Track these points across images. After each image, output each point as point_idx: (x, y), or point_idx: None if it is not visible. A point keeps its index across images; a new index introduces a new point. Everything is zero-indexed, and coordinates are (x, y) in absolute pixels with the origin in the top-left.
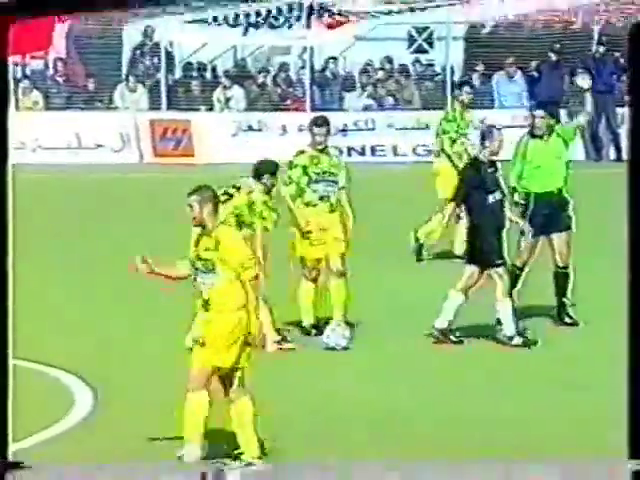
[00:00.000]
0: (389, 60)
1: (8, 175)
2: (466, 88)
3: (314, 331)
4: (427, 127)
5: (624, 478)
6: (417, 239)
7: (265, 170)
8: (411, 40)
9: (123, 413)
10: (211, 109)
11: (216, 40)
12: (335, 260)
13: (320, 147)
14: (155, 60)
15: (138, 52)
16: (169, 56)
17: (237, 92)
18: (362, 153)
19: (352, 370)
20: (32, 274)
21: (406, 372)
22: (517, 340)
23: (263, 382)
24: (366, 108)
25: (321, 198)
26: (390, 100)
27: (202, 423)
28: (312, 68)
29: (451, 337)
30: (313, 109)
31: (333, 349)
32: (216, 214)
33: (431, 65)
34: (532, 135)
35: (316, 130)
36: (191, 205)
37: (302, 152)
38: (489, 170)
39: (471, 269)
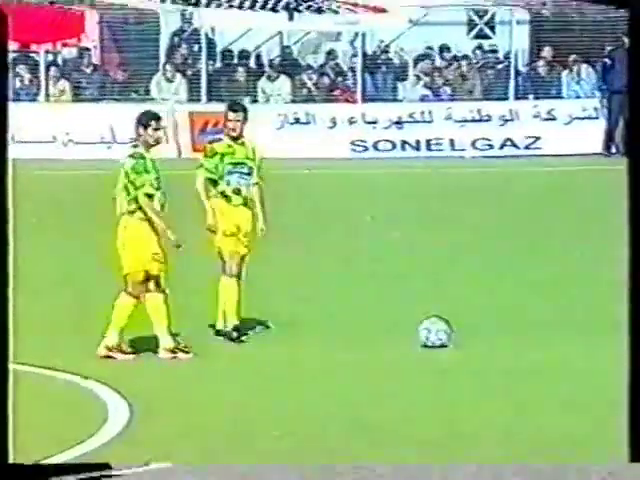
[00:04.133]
0: (447, 46)
1: (7, 170)
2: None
3: (238, 336)
4: (489, 119)
5: None
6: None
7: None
8: (471, 24)
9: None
10: (255, 100)
11: (260, 26)
12: (235, 259)
13: (234, 135)
14: (195, 48)
15: (176, 39)
16: (210, 43)
17: (283, 82)
18: (417, 147)
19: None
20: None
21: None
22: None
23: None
24: (422, 99)
25: (235, 191)
26: (448, 90)
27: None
28: (364, 56)
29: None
30: (365, 100)
31: (428, 346)
32: None
33: (494, 51)
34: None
35: (231, 116)
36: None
37: (220, 139)
38: None
39: None
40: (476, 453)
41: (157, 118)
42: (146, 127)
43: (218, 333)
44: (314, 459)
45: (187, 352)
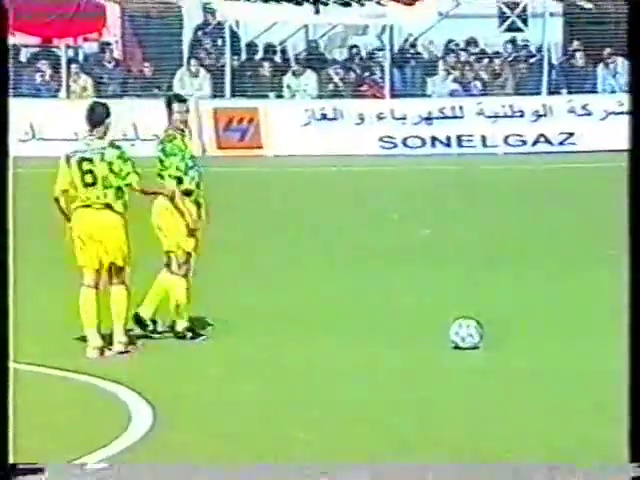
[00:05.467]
0: (477, 39)
1: (8, 168)
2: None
3: (189, 334)
4: (521, 114)
5: None
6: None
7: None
8: (502, 17)
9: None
10: (281, 96)
11: (285, 19)
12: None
13: (183, 127)
14: (219, 42)
15: (200, 33)
16: (234, 37)
17: (309, 77)
18: (448, 144)
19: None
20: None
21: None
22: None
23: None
24: (452, 94)
25: (196, 185)
26: (479, 84)
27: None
28: (391, 50)
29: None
30: (393, 95)
31: (459, 345)
32: None
33: (525, 45)
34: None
35: (177, 107)
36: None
37: (175, 137)
38: None
39: None
40: (503, 455)
41: (107, 108)
42: (101, 122)
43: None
44: (341, 459)
45: (136, 346)
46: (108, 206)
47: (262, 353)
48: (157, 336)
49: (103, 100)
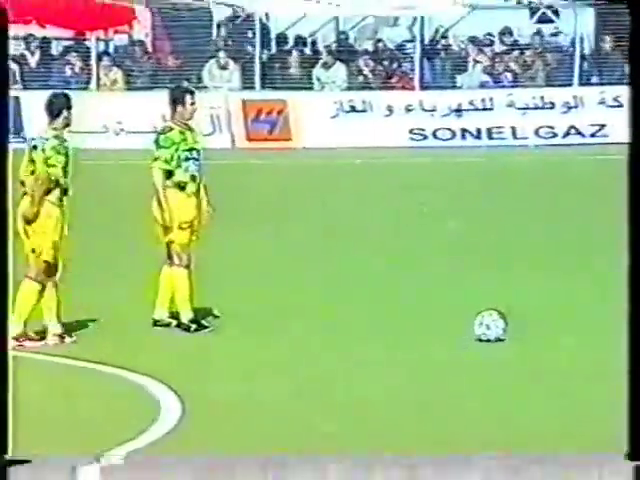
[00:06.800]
0: (508, 31)
1: (8, 161)
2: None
3: (194, 326)
4: (552, 106)
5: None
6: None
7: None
8: (534, 8)
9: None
10: (310, 88)
11: (315, 11)
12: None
13: (190, 120)
14: (248, 34)
15: (230, 25)
16: (264, 29)
17: (338, 69)
18: (478, 136)
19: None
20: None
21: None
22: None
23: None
24: (482, 85)
25: (191, 178)
26: (509, 76)
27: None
28: (422, 41)
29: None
30: (423, 87)
31: (483, 338)
32: None
33: (557, 36)
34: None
35: (190, 100)
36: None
37: (171, 128)
38: None
39: None
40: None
41: (68, 99)
42: (59, 113)
43: (167, 324)
44: (366, 453)
45: (71, 336)
46: (42, 198)
47: (289, 348)
48: (192, 328)
49: (64, 91)
